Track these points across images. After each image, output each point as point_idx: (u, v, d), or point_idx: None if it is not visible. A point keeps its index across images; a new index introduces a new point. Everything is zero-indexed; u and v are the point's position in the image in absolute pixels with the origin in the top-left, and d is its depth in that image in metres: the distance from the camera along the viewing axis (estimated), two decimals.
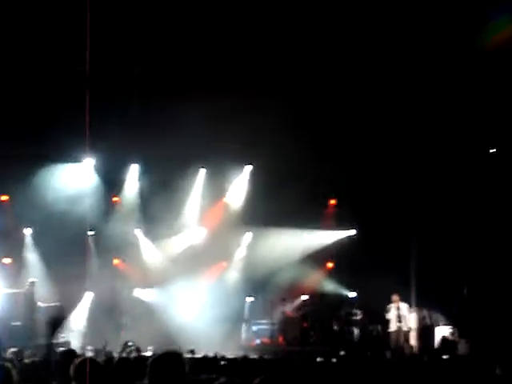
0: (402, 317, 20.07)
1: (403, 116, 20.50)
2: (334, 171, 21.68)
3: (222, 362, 11.18)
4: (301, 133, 20.60)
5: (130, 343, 11.70)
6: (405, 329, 20.07)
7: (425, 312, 21.13)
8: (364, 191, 21.57)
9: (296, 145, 20.45)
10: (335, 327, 19.96)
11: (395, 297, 20.21)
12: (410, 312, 20.64)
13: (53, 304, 20.31)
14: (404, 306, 20.29)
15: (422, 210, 21.42)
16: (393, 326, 20.09)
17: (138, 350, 11.67)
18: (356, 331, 20.42)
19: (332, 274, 22.60)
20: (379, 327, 20.71)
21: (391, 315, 20.12)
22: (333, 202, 23.23)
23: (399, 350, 19.20)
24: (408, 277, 21.83)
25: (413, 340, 20.26)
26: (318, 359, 13.06)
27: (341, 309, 20.67)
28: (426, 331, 20.20)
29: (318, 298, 20.84)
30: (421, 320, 20.94)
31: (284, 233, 22.92)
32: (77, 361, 6.43)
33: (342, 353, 16.98)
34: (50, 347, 9.07)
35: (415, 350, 19.74)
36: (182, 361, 5.55)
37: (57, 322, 8.96)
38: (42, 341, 19.05)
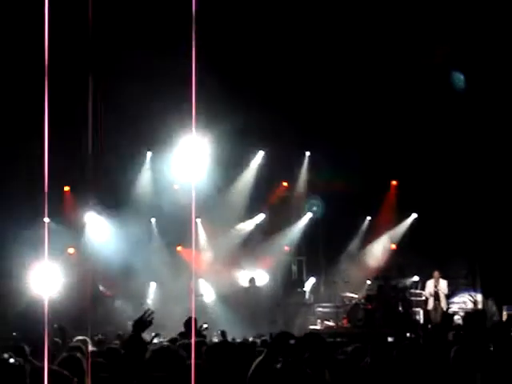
0: (441, 295, 19.75)
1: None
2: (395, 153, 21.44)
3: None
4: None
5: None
6: (443, 307, 19.68)
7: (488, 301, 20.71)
8: (426, 174, 21.26)
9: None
10: (400, 309, 19.79)
11: (436, 273, 19.88)
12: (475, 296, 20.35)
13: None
14: (444, 284, 19.85)
15: (486, 194, 21.01)
16: (430, 305, 19.85)
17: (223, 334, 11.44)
18: (421, 312, 20.25)
19: (395, 257, 22.40)
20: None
21: (428, 292, 19.87)
22: (394, 183, 22.90)
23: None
24: (473, 262, 21.56)
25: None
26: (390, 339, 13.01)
27: (405, 291, 20.50)
28: (478, 315, 19.79)
29: (383, 279, 20.67)
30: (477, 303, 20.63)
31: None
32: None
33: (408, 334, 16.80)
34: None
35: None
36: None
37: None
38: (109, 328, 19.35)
